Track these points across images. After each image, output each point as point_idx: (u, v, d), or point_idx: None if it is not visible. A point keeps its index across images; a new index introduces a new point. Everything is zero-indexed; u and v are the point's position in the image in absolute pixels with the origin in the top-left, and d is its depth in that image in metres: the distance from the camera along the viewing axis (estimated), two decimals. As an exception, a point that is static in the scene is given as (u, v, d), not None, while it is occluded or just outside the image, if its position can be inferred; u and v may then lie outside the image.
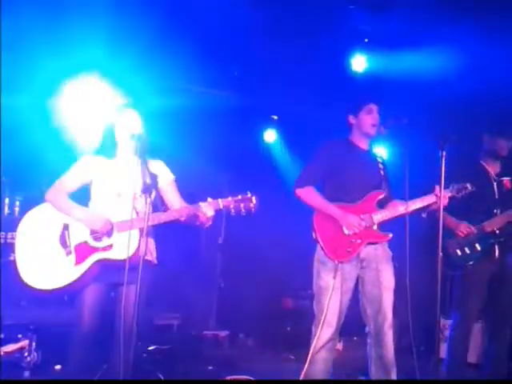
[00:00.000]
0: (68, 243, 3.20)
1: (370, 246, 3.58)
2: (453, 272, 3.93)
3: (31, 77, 5.41)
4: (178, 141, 5.90)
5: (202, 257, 6.44)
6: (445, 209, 3.44)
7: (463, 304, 3.92)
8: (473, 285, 3.89)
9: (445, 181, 3.50)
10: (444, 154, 3.24)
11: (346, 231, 3.52)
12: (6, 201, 4.95)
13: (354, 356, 4.92)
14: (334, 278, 3.47)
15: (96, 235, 3.19)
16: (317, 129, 6.46)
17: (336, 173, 3.65)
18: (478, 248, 3.91)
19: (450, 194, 3.62)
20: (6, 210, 4.98)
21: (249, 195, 3.27)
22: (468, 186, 3.69)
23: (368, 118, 3.68)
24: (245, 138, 6.81)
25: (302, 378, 3.51)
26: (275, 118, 7.17)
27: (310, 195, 3.63)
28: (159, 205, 3.16)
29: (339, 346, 4.09)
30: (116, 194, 3.30)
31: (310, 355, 3.49)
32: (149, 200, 3.02)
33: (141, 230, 3.08)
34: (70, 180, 3.33)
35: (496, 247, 3.91)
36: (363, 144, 3.76)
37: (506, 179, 3.97)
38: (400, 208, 3.55)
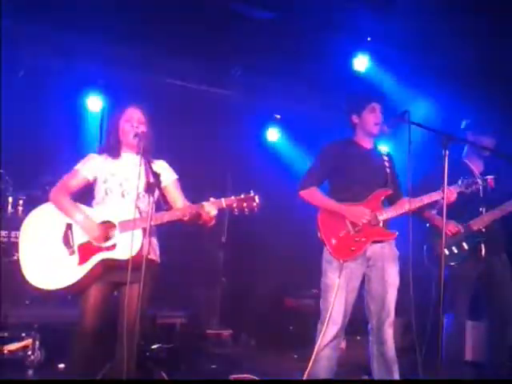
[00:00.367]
0: (71, 243, 3.20)
1: (376, 245, 3.58)
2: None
3: (33, 74, 5.43)
4: (180, 140, 5.92)
5: (205, 256, 6.44)
6: (451, 205, 3.45)
7: (453, 303, 3.92)
8: (461, 284, 3.89)
9: (432, 180, 3.52)
10: (447, 152, 3.24)
11: (351, 229, 3.52)
12: (10, 200, 4.95)
13: (357, 355, 4.91)
14: (339, 277, 3.48)
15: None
16: (319, 127, 6.48)
17: (340, 173, 3.66)
18: (466, 247, 3.93)
19: (458, 190, 3.63)
20: (10, 209, 4.98)
21: (252, 194, 3.27)
22: (479, 181, 3.70)
23: (371, 117, 3.68)
24: (247, 136, 6.81)
25: (306, 375, 3.52)
26: (278, 116, 7.16)
27: (313, 195, 3.64)
28: (162, 204, 3.16)
29: (342, 344, 4.10)
30: (119, 193, 3.31)
31: (314, 352, 3.50)
32: (152, 199, 3.02)
33: (144, 230, 3.09)
34: (74, 179, 3.33)
35: (482, 246, 3.93)
36: (367, 143, 3.76)
37: (489, 177, 3.96)
38: (406, 205, 3.55)
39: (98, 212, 3.26)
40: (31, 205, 3.47)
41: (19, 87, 5.38)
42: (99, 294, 3.20)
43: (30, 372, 4.15)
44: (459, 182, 3.69)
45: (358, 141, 3.76)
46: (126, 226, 3.15)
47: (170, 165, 3.52)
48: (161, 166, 3.40)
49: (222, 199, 3.25)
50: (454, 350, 3.86)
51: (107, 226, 3.21)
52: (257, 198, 3.26)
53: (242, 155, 6.54)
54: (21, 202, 4.99)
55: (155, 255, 3.36)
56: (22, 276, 3.17)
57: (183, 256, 5.97)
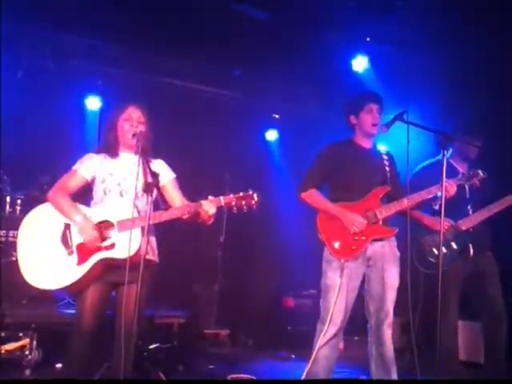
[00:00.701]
0: (70, 243, 3.19)
1: (376, 244, 3.58)
2: (428, 271, 3.91)
3: (34, 75, 5.43)
4: (179, 140, 5.92)
5: (203, 256, 6.44)
6: (451, 199, 3.46)
7: (443, 303, 3.92)
8: (449, 283, 3.88)
9: (422, 179, 3.51)
10: (446, 153, 3.24)
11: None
12: (8, 199, 4.95)
13: (355, 355, 4.91)
14: (341, 277, 3.48)
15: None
16: (318, 128, 6.48)
17: (339, 174, 3.67)
18: (454, 247, 3.93)
19: (458, 182, 3.64)
20: (8, 209, 4.97)
21: (250, 192, 3.27)
22: (480, 172, 3.71)
23: (368, 118, 3.68)
24: (246, 136, 6.82)
25: (305, 374, 3.52)
26: (276, 117, 7.17)
27: (313, 197, 3.65)
28: (160, 203, 3.16)
29: (340, 345, 4.09)
30: (118, 192, 3.30)
31: (314, 352, 3.50)
32: (150, 199, 3.01)
33: (142, 229, 3.08)
34: (72, 179, 3.32)
35: (470, 246, 3.94)
36: (366, 143, 3.75)
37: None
38: (404, 201, 3.54)
39: (97, 212, 3.25)
40: (29, 205, 3.46)
41: (18, 87, 5.37)
42: (97, 293, 3.19)
43: (28, 372, 4.13)
44: (459, 175, 3.70)
45: (357, 141, 3.76)
46: (125, 225, 3.15)
47: (169, 164, 3.51)
48: (159, 165, 3.40)
49: (221, 197, 3.25)
50: (447, 350, 3.86)
51: (105, 226, 3.21)
52: (255, 196, 3.26)
53: (240, 155, 6.54)
54: (19, 201, 5.00)
55: (153, 255, 3.35)
56: (20, 276, 3.16)
57: (181, 256, 5.98)
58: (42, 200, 3.35)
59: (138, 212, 3.21)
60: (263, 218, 5.55)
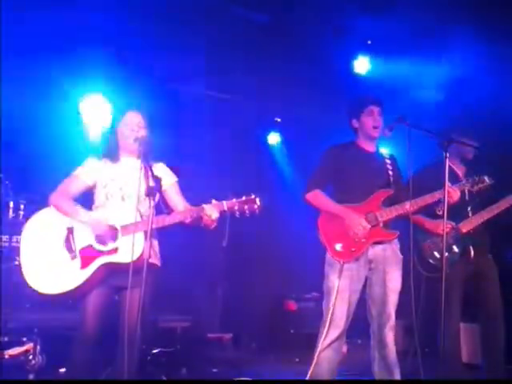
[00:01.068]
0: (73, 247, 3.19)
1: (378, 247, 3.58)
2: (429, 274, 3.91)
3: (34, 79, 5.43)
4: (181, 143, 5.92)
5: (206, 260, 6.44)
6: (454, 204, 3.46)
7: (445, 306, 3.91)
8: (451, 286, 3.87)
9: (421, 182, 3.51)
10: (447, 155, 3.24)
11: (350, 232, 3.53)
12: (11, 204, 4.95)
13: (358, 359, 4.91)
14: (339, 278, 3.48)
15: (101, 239, 3.19)
16: (320, 131, 6.48)
17: (342, 176, 3.66)
18: (456, 250, 3.91)
19: (462, 188, 3.63)
20: (11, 214, 4.98)
21: (253, 196, 3.28)
22: (486, 178, 3.69)
23: (369, 120, 3.66)
24: (248, 140, 6.82)
25: (308, 377, 3.51)
26: (278, 120, 7.17)
27: (317, 198, 3.64)
28: (163, 207, 3.16)
29: (344, 348, 4.09)
30: (120, 197, 3.31)
31: (316, 355, 3.50)
32: (152, 203, 3.02)
33: (145, 233, 3.08)
34: (74, 183, 3.34)
35: (471, 248, 3.93)
36: (369, 146, 3.74)
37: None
38: (406, 205, 3.53)
39: (99, 215, 3.26)
40: (32, 209, 3.46)
41: (20, 91, 5.38)
42: (100, 298, 3.19)
43: (31, 376, 4.13)
44: (464, 181, 3.69)
45: (360, 144, 3.75)
46: (128, 229, 3.15)
47: (171, 168, 3.52)
48: (161, 169, 3.40)
49: (224, 202, 3.25)
50: (450, 352, 3.86)
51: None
52: (258, 200, 3.27)
53: (242, 159, 6.55)
54: (22, 206, 4.99)
55: (156, 259, 3.35)
56: (23, 280, 3.17)
57: (184, 260, 5.97)
58: (44, 205, 3.34)
59: (141, 216, 3.22)
60: (266, 221, 5.55)
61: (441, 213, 3.71)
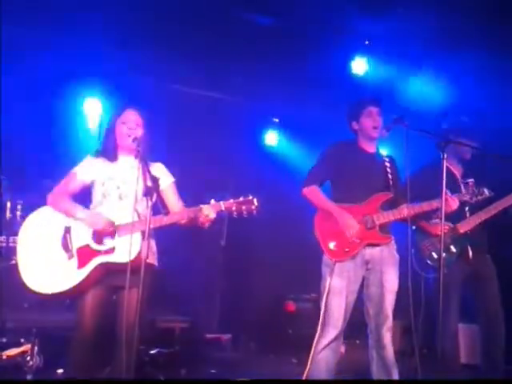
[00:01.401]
0: (70, 247, 3.19)
1: (375, 248, 3.58)
2: (427, 275, 3.90)
3: (32, 79, 5.43)
4: (180, 144, 5.92)
5: (204, 260, 6.43)
6: (452, 213, 3.46)
7: (444, 307, 3.91)
8: (449, 286, 3.87)
9: (418, 183, 3.51)
10: (445, 156, 3.24)
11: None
12: (8, 204, 4.95)
13: (356, 359, 4.90)
14: (330, 276, 3.48)
15: (98, 236, 3.19)
16: (318, 131, 6.47)
17: (341, 174, 3.66)
18: (454, 250, 3.92)
19: (462, 199, 3.64)
20: (8, 214, 4.97)
21: (250, 197, 3.28)
22: (485, 191, 3.71)
23: (368, 121, 3.67)
24: (246, 140, 6.81)
25: (304, 376, 3.52)
26: (276, 120, 7.17)
27: (314, 194, 3.64)
28: (160, 207, 3.16)
29: (342, 349, 4.08)
30: (117, 196, 3.30)
31: (311, 355, 3.50)
32: (150, 203, 3.02)
33: (142, 233, 3.08)
34: (71, 182, 3.34)
35: (469, 249, 3.93)
36: (369, 147, 3.74)
37: (470, 181, 3.96)
38: (404, 210, 3.54)
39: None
40: (29, 210, 3.46)
41: (18, 91, 5.37)
42: (97, 298, 3.19)
43: (29, 377, 4.12)
44: (463, 191, 3.69)
45: (360, 145, 3.75)
46: (125, 229, 3.15)
47: (170, 168, 3.52)
48: (158, 169, 3.40)
49: (221, 202, 3.25)
50: (449, 353, 3.86)
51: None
52: (255, 201, 3.27)
53: (240, 159, 6.54)
54: (19, 206, 4.99)
55: (154, 259, 3.35)
56: (21, 281, 3.16)
57: (182, 260, 5.96)
58: (42, 205, 3.34)
59: (138, 216, 3.21)
60: (264, 221, 5.55)
61: (437, 220, 3.72)
